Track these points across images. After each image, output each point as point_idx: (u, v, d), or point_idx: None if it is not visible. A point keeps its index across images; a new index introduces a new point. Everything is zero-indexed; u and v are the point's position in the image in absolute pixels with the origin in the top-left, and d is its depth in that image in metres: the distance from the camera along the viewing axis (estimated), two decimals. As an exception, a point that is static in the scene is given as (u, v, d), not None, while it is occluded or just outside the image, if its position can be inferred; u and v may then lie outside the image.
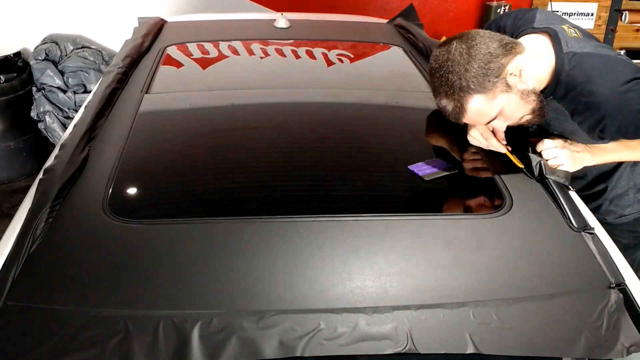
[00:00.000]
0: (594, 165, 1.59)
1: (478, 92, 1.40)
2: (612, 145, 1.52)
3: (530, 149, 1.50)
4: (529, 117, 1.48)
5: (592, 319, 1.10)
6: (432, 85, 1.48)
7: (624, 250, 1.69)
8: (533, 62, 1.47)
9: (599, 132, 1.46)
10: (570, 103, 1.48)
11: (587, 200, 1.58)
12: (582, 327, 1.08)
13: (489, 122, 1.47)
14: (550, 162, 1.47)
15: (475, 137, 1.55)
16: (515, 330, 1.07)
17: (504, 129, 1.51)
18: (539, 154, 1.48)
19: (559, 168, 1.47)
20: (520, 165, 1.47)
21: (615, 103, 1.39)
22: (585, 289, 1.16)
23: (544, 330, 1.08)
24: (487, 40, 1.42)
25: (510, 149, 1.51)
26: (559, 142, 1.50)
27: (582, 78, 1.43)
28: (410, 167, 1.49)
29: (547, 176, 1.44)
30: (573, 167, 1.49)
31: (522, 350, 1.05)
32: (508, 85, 1.41)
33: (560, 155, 1.47)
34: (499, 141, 1.51)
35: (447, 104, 1.45)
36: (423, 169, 1.48)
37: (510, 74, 1.41)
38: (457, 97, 1.42)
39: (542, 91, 1.50)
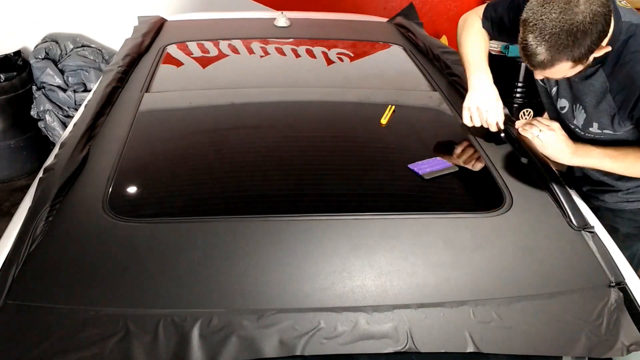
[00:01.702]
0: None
1: (572, 62, 1.38)
2: (597, 150, 1.52)
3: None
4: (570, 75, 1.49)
5: (592, 318, 1.10)
6: (535, 23, 1.36)
7: (624, 239, 1.70)
8: None
9: (629, 112, 1.48)
10: (617, 72, 1.48)
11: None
12: (582, 326, 1.08)
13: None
14: (533, 130, 1.49)
15: (471, 111, 1.64)
16: (515, 329, 1.07)
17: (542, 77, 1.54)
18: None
19: (536, 145, 1.49)
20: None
21: None
22: (585, 288, 1.16)
23: (544, 329, 1.08)
24: (600, 14, 1.33)
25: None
26: (557, 125, 1.51)
27: (636, 48, 1.44)
28: (410, 165, 1.49)
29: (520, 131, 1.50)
30: (547, 151, 1.50)
31: (522, 349, 1.06)
32: (588, 59, 1.40)
33: (546, 134, 1.48)
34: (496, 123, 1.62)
35: (541, 52, 1.36)
36: (423, 168, 1.48)
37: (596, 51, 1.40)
38: (553, 55, 1.36)
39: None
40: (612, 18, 1.38)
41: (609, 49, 1.41)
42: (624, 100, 1.49)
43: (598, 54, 1.39)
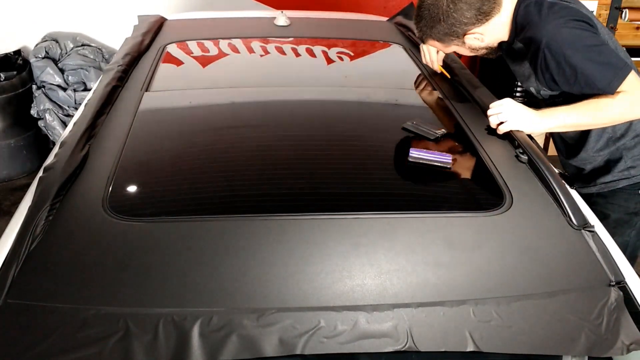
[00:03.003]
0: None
1: (437, 40, 1.77)
2: (561, 107, 1.62)
3: None
4: (484, 54, 1.81)
5: (592, 317, 1.10)
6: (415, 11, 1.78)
7: (615, 226, 1.79)
8: (502, 18, 1.70)
9: (544, 71, 1.64)
10: (523, 40, 1.69)
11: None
12: (582, 325, 1.08)
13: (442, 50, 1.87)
14: (491, 119, 1.62)
15: (425, 53, 2.03)
16: (515, 328, 1.07)
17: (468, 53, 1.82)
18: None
19: (501, 126, 1.60)
20: (448, 76, 1.97)
21: (550, 33, 1.57)
22: (585, 287, 1.16)
23: (544, 328, 1.08)
24: (466, 6, 1.65)
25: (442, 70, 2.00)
26: (506, 100, 1.62)
27: (530, 17, 1.64)
28: (412, 149, 1.51)
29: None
30: (515, 125, 1.58)
31: (522, 348, 1.05)
32: (463, 42, 1.74)
33: (504, 112, 1.59)
34: (436, 63, 2.01)
35: (416, 31, 1.82)
36: (417, 154, 1.51)
37: (467, 35, 1.72)
38: (422, 33, 1.78)
39: (509, 38, 1.75)
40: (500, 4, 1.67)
41: (498, 34, 1.72)
42: (534, 67, 1.68)
43: (480, 36, 1.71)
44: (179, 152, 1.58)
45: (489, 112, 1.63)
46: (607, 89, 1.53)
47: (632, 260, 1.85)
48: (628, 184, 1.81)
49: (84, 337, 1.00)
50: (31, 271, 1.12)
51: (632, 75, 1.54)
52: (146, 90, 1.88)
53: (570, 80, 1.58)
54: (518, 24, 1.67)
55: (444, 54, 2.01)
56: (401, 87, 2.07)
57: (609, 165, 1.82)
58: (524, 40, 1.67)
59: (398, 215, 1.31)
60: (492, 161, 1.52)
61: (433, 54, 2.01)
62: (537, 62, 1.63)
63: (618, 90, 1.53)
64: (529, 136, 1.61)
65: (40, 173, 1.42)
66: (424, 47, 2.03)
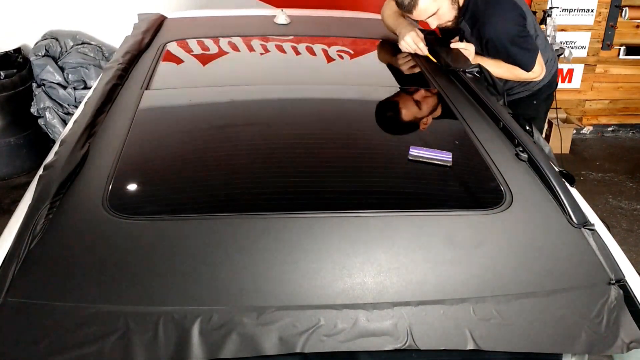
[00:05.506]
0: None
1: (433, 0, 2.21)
2: (490, 60, 2.30)
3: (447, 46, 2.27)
4: (449, 23, 2.31)
5: (592, 316, 1.10)
6: None
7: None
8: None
9: (484, 49, 2.30)
10: (472, 25, 2.29)
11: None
12: (582, 324, 1.08)
13: (427, 18, 2.24)
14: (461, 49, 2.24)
15: (407, 42, 2.27)
16: (515, 326, 1.07)
17: (435, 26, 2.32)
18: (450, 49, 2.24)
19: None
20: (434, 60, 2.20)
21: (496, 39, 2.24)
22: (585, 285, 1.16)
23: (544, 326, 1.08)
24: None
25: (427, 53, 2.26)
26: (468, 44, 2.30)
27: (482, 7, 2.23)
28: (412, 147, 1.51)
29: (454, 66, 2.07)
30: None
31: (522, 346, 1.05)
32: (444, 4, 2.22)
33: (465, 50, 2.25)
34: (424, 46, 2.26)
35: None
36: (417, 152, 1.51)
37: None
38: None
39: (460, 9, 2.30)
40: None
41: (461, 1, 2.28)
42: (477, 42, 2.32)
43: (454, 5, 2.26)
44: (178, 150, 1.58)
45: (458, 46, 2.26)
46: (528, 69, 2.33)
47: None
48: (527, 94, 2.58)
49: (84, 336, 1.00)
50: (31, 269, 1.12)
51: (538, 56, 2.33)
52: (146, 89, 1.88)
53: (503, 59, 2.29)
54: (469, 8, 2.26)
55: (432, 25, 2.34)
56: (401, 85, 2.07)
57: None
58: (472, 24, 2.28)
59: (397, 214, 1.30)
60: (492, 159, 1.52)
61: (417, 41, 2.26)
62: (481, 43, 2.29)
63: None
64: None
65: (40, 171, 1.42)
66: (406, 39, 2.26)
